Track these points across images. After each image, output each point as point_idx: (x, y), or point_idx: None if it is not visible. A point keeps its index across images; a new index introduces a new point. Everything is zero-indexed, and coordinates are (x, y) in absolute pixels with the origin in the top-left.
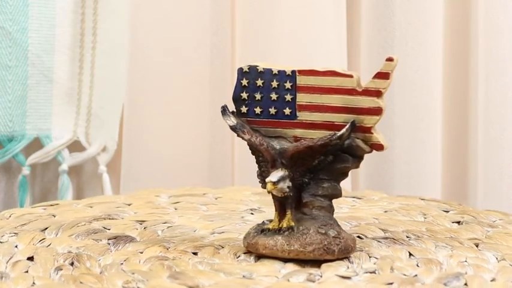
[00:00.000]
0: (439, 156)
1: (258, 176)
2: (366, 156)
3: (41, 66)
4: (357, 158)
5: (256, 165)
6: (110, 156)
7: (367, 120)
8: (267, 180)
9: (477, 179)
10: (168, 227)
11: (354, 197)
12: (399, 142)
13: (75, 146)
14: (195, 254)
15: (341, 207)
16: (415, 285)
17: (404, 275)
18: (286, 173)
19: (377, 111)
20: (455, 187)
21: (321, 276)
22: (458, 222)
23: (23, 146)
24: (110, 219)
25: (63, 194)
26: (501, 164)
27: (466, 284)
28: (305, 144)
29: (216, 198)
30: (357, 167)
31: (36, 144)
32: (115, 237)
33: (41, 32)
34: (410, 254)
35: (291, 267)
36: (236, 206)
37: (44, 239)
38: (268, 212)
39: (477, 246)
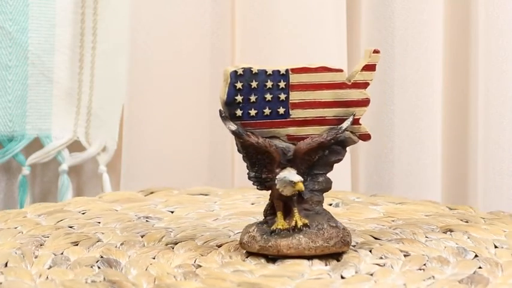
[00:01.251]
0: (439, 156)
1: (254, 177)
2: (365, 156)
3: (41, 66)
4: (345, 149)
5: (250, 168)
6: (110, 156)
7: (357, 112)
8: (296, 180)
9: (477, 179)
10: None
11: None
12: (399, 142)
13: (75, 146)
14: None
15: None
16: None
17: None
18: (295, 171)
19: (365, 102)
20: (455, 187)
21: (359, 268)
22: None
23: (23, 146)
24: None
25: (63, 194)
26: (501, 164)
27: None
28: (317, 141)
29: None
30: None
31: (36, 144)
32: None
33: (41, 32)
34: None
35: (317, 263)
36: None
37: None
38: None
39: None
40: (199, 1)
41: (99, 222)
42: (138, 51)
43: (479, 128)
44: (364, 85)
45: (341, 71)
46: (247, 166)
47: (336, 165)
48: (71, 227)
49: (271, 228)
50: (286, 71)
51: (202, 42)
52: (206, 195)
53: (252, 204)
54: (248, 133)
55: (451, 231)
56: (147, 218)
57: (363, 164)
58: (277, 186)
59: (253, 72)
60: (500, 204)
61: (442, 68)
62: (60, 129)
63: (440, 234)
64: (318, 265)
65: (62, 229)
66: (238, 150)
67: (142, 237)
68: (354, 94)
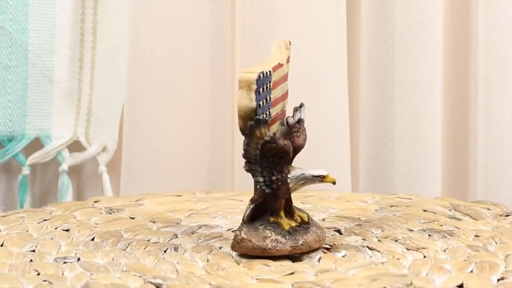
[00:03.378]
0: (439, 156)
1: (263, 182)
2: (365, 156)
3: (41, 66)
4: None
5: (260, 173)
6: (110, 156)
7: (286, 102)
8: (325, 173)
9: (477, 179)
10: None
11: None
12: (399, 142)
13: (75, 146)
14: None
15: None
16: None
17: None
18: (301, 167)
19: (287, 92)
20: (455, 187)
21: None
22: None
23: (23, 146)
24: None
25: (63, 194)
26: (501, 164)
27: None
28: (305, 135)
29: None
30: None
31: (36, 144)
32: None
33: (41, 32)
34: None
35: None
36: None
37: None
38: None
39: None
40: (199, 1)
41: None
42: (138, 51)
43: (479, 127)
44: (287, 76)
45: (282, 65)
46: (255, 173)
47: (336, 165)
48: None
49: (286, 228)
50: (270, 71)
51: (202, 42)
52: None
53: None
54: (279, 138)
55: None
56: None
57: (363, 164)
58: (292, 185)
59: (265, 73)
60: None
61: (442, 68)
62: (60, 129)
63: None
64: (327, 257)
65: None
66: (248, 157)
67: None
68: (287, 85)
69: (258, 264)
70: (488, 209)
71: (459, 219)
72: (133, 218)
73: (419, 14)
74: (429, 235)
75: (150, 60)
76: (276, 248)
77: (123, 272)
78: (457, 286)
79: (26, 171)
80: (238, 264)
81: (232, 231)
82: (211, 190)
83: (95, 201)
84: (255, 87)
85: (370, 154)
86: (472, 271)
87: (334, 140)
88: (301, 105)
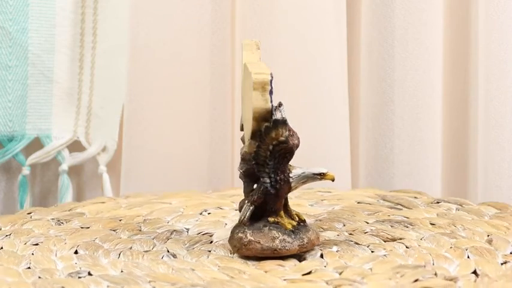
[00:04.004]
0: (439, 156)
1: (269, 183)
2: (365, 156)
3: (41, 66)
4: None
5: (267, 175)
6: (110, 156)
7: None
8: (325, 170)
9: (477, 179)
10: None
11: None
12: (399, 142)
13: (75, 146)
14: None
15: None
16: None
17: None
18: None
19: None
20: (455, 187)
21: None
22: None
23: (23, 146)
24: None
25: (63, 194)
26: (501, 164)
27: None
28: (297, 134)
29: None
30: None
31: (36, 144)
32: None
33: (41, 32)
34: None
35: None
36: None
37: None
38: None
39: None
40: (199, 1)
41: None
42: (138, 51)
43: (479, 128)
44: None
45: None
46: (262, 174)
47: (336, 165)
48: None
49: (289, 228)
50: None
51: (202, 42)
52: None
53: None
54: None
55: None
56: None
57: (363, 164)
58: (293, 184)
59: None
60: None
61: (442, 68)
62: (60, 129)
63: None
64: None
65: None
66: (258, 158)
67: None
68: None
69: (270, 265)
70: (415, 197)
71: (400, 209)
72: (88, 228)
73: (419, 14)
74: (391, 226)
75: (150, 60)
76: (286, 247)
77: (151, 282)
78: (472, 272)
79: (26, 171)
80: (249, 266)
81: (209, 235)
82: (130, 195)
83: (28, 213)
84: (269, 88)
85: (370, 154)
86: (468, 257)
87: (334, 140)
88: (280, 105)
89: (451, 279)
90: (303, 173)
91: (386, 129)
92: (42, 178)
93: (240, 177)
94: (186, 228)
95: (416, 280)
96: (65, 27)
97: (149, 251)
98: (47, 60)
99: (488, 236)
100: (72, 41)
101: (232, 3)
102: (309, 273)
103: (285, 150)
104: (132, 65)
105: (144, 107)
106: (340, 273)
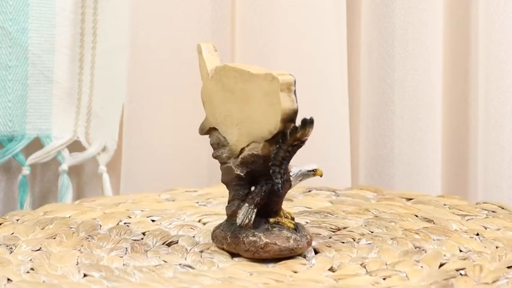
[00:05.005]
0: (439, 156)
1: (281, 182)
2: (365, 156)
3: (41, 66)
4: None
5: (282, 175)
6: (110, 156)
7: None
8: (316, 167)
9: (477, 179)
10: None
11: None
12: (399, 142)
13: (75, 146)
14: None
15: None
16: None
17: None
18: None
19: None
20: (455, 187)
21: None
22: None
23: (23, 146)
24: None
25: (63, 194)
26: (501, 164)
27: None
28: None
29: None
30: None
31: (36, 144)
32: None
33: (41, 32)
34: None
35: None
36: None
37: None
38: None
39: None
40: (199, 1)
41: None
42: (138, 51)
43: (479, 127)
44: None
45: None
46: (276, 175)
47: (336, 166)
48: None
49: (291, 226)
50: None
51: (203, 42)
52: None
53: None
54: None
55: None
56: None
57: (363, 164)
58: (293, 183)
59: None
60: None
61: (442, 68)
62: (60, 129)
63: None
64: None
65: None
66: (276, 159)
67: None
68: None
69: (292, 264)
70: (374, 192)
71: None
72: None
73: (419, 14)
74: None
75: (150, 60)
76: (299, 246)
77: None
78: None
79: (26, 171)
80: (277, 268)
81: (192, 238)
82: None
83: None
84: (294, 88)
85: (370, 154)
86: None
87: (334, 140)
88: None
89: None
90: (300, 171)
91: (386, 129)
92: (42, 178)
93: (224, 181)
94: (143, 233)
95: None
96: (65, 27)
97: (159, 265)
98: (47, 60)
99: None
100: (72, 41)
101: (232, 3)
102: (331, 269)
103: (297, 150)
104: (132, 65)
105: (144, 107)
106: (370, 271)
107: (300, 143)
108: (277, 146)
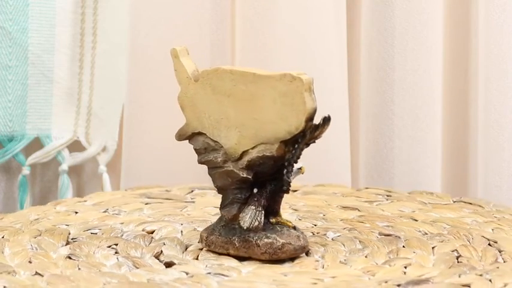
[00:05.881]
0: (439, 156)
1: (289, 182)
2: (365, 156)
3: (41, 66)
4: None
5: (290, 174)
6: (110, 156)
7: None
8: (301, 165)
9: (477, 179)
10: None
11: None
12: (399, 142)
13: (75, 146)
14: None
15: None
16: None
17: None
18: None
19: None
20: (455, 187)
21: None
22: None
23: (23, 146)
24: None
25: (63, 194)
26: (501, 164)
27: None
28: None
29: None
30: None
31: (36, 144)
32: None
33: (41, 32)
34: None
35: None
36: None
37: None
38: None
39: None
40: (199, 1)
41: None
42: (138, 51)
43: (479, 128)
44: None
45: None
46: (289, 175)
47: (336, 166)
48: None
49: (292, 226)
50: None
51: (202, 42)
52: None
53: None
54: None
55: None
56: None
57: (363, 164)
58: (291, 182)
59: None
60: None
61: (442, 68)
62: (60, 129)
63: None
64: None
65: None
66: (292, 159)
67: None
68: None
69: (308, 262)
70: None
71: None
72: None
73: (419, 14)
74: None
75: (150, 60)
76: (307, 244)
77: None
78: None
79: (26, 171)
80: (297, 268)
81: (194, 241)
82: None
83: None
84: (313, 87)
85: (370, 154)
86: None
87: (334, 140)
88: None
89: None
90: (294, 170)
91: (386, 129)
92: (42, 178)
93: (221, 186)
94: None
95: None
96: (65, 27)
97: (190, 275)
98: (47, 60)
99: None
100: (72, 41)
101: (232, 2)
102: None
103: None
104: (132, 65)
105: (144, 107)
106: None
107: (314, 141)
108: (295, 146)
